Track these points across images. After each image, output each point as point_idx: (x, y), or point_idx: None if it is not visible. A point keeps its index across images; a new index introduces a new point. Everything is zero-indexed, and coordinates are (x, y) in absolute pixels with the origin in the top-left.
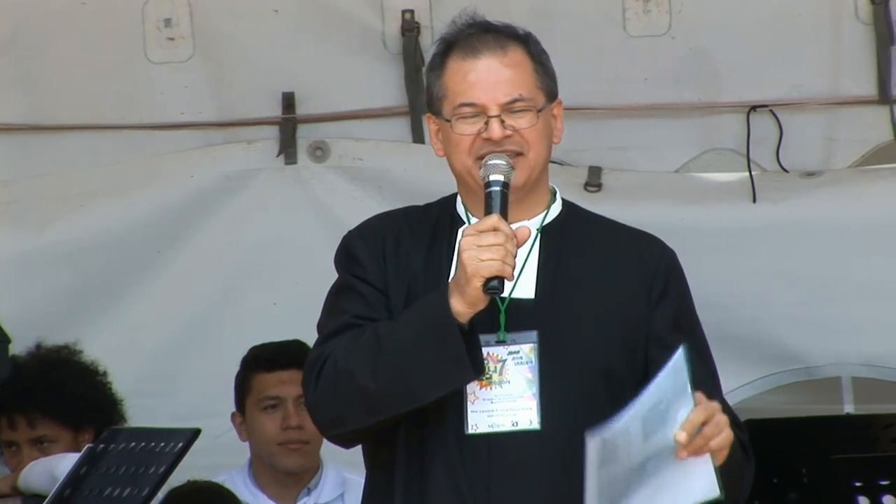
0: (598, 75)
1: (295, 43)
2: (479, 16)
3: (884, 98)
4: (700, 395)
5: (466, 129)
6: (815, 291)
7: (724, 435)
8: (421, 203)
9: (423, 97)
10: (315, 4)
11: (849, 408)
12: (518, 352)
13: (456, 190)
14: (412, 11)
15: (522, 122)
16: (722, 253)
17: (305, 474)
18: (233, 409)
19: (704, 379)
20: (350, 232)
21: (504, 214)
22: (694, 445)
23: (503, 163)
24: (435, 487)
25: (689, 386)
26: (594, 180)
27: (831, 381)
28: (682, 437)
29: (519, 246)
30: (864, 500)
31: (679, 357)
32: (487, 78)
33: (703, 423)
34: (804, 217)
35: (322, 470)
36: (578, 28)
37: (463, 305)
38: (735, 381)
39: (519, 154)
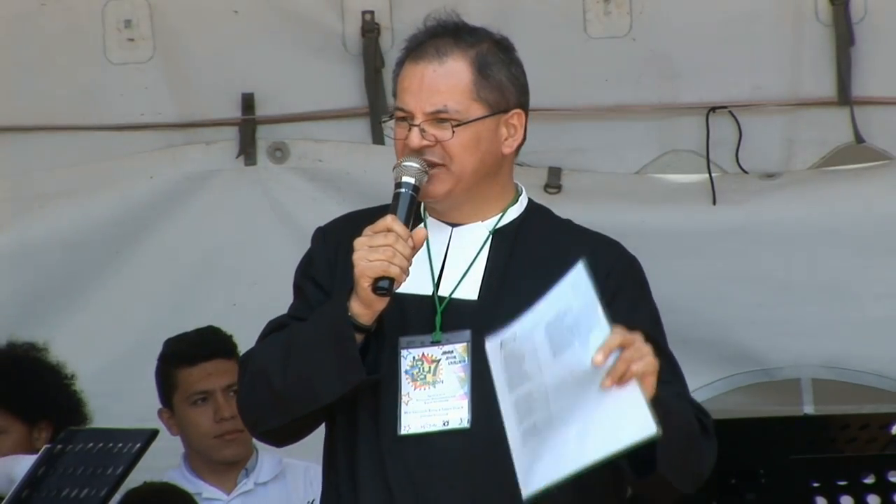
0: (558, 76)
1: (255, 44)
2: (454, 14)
3: (843, 99)
4: (617, 326)
5: (399, 132)
6: (775, 293)
7: (647, 360)
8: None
9: (382, 98)
10: (275, 6)
11: (808, 409)
12: (452, 351)
13: None
14: (372, 12)
15: (445, 133)
16: (682, 255)
17: (241, 460)
18: None
19: (669, 384)
20: (318, 228)
21: (408, 216)
22: (616, 371)
23: (415, 166)
24: (365, 487)
25: (599, 307)
26: (554, 182)
27: (791, 383)
28: (599, 357)
29: (416, 247)
30: (822, 501)
31: (580, 270)
32: (419, 86)
33: (622, 348)
34: (764, 219)
35: (257, 453)
36: (539, 29)
37: (359, 307)
38: (695, 383)
39: (440, 165)
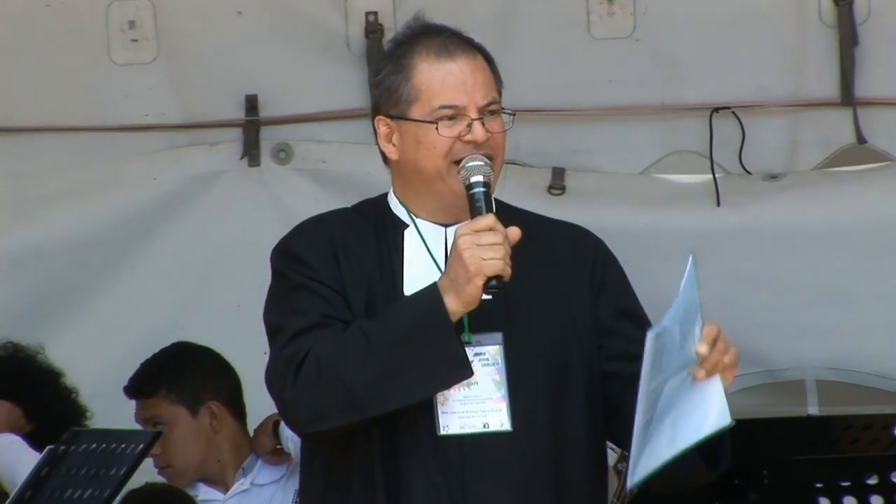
0: (562, 77)
1: (258, 45)
2: (430, 19)
3: (847, 100)
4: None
5: (447, 131)
6: (779, 295)
7: (733, 351)
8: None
9: None
10: (279, 6)
11: (812, 410)
12: (484, 353)
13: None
14: (376, 13)
15: (496, 125)
16: (686, 257)
17: (235, 462)
18: None
19: None
20: (289, 236)
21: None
22: (710, 362)
23: (482, 163)
24: (411, 489)
25: (698, 299)
26: (558, 183)
27: (795, 384)
28: (704, 348)
29: (512, 246)
30: (825, 501)
31: (691, 267)
32: (466, 80)
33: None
34: (767, 220)
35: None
36: (542, 30)
37: (458, 305)
38: None
39: (490, 158)
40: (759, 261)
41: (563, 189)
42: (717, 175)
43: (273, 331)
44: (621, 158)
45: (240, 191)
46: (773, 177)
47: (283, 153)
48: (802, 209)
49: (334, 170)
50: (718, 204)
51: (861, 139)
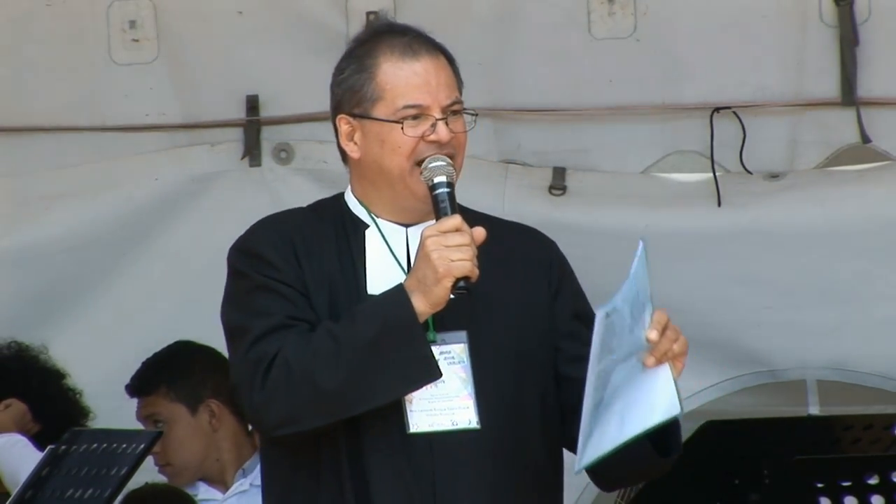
0: (562, 77)
1: (259, 45)
2: (394, 19)
3: (848, 100)
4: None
5: (412, 131)
6: (780, 295)
7: (682, 339)
8: None
9: None
10: (279, 6)
11: (814, 410)
12: (449, 352)
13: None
14: (376, 13)
15: (459, 125)
16: (687, 257)
17: (235, 462)
18: None
19: None
20: (248, 235)
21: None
22: (660, 350)
23: (445, 164)
24: (381, 488)
25: (649, 286)
26: (559, 183)
27: (796, 384)
28: (654, 334)
29: (477, 246)
30: (826, 501)
31: (641, 251)
32: (430, 80)
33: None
34: (769, 221)
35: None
36: (543, 30)
37: (426, 306)
38: (701, 383)
39: (451, 157)
40: (760, 261)
41: (563, 189)
42: (717, 175)
43: (234, 332)
44: (622, 158)
45: (241, 191)
46: (774, 176)
47: (284, 153)
48: (803, 209)
49: (335, 170)
50: (719, 204)
51: (866, 139)
